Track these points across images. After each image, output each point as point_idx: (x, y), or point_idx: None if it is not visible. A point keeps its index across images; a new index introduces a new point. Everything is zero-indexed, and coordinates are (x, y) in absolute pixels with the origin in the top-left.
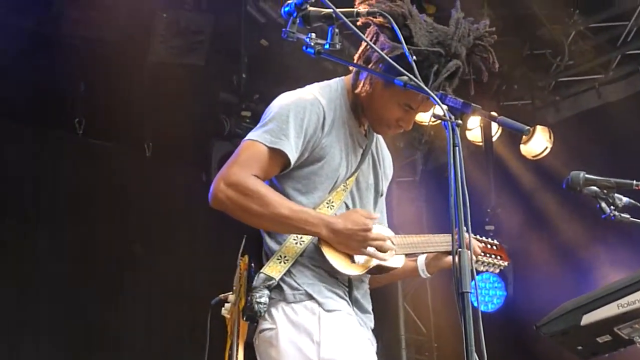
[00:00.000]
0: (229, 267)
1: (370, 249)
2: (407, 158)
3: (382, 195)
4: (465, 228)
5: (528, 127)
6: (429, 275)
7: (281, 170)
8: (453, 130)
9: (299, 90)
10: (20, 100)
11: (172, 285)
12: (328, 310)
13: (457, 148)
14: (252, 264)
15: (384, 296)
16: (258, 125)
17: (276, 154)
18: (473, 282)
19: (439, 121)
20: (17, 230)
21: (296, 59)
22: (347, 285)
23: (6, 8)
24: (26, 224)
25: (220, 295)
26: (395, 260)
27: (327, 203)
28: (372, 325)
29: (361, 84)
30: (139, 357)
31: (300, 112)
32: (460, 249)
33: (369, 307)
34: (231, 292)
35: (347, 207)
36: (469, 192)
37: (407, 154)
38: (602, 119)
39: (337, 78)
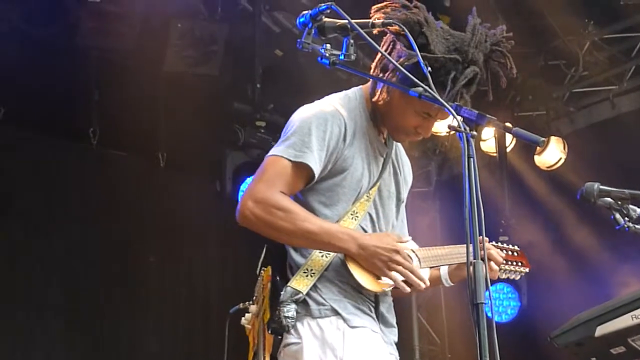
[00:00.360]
0: (242, 277)
1: (394, 274)
2: (421, 168)
3: (403, 202)
4: (481, 238)
5: (543, 139)
6: (452, 284)
7: (306, 184)
8: (468, 141)
9: (318, 102)
10: (34, 110)
11: (185, 294)
12: (353, 327)
13: (471, 159)
14: (277, 277)
15: (398, 306)
16: (280, 140)
17: (300, 168)
18: (487, 292)
19: (453, 132)
20: (30, 238)
21: (310, 69)
22: (373, 300)
23: (21, 18)
24: (39, 233)
25: (240, 304)
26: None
27: (351, 214)
28: (395, 339)
29: (378, 93)
30: None
31: (322, 125)
32: (475, 260)
33: (394, 321)
34: (250, 302)
35: (370, 217)
36: (483, 203)
37: (422, 164)
38: (616, 130)
39: (356, 87)
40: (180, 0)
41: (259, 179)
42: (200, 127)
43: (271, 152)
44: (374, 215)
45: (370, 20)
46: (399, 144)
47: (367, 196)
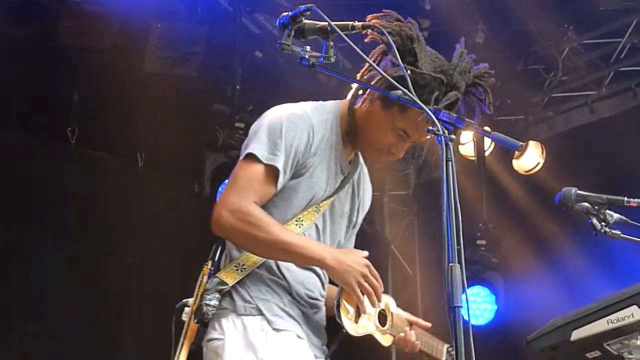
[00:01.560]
0: None
1: (361, 293)
2: (400, 172)
3: (355, 227)
4: (457, 243)
5: (521, 143)
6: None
7: (275, 188)
8: (446, 145)
9: (292, 105)
10: (13, 109)
11: (163, 295)
12: (276, 329)
13: (450, 163)
14: (214, 271)
15: None
16: (252, 139)
17: (271, 171)
18: (464, 295)
19: (432, 135)
20: (5, 240)
21: (291, 71)
22: (307, 304)
23: None
24: (16, 233)
25: (184, 300)
26: (385, 339)
27: (296, 220)
28: (325, 343)
29: (361, 102)
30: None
31: (292, 129)
32: (451, 264)
33: (323, 326)
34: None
35: (316, 228)
36: (461, 207)
37: (401, 168)
38: (594, 135)
39: (334, 101)
40: (160, 1)
41: (232, 187)
42: (179, 128)
43: (244, 152)
44: (320, 227)
45: (351, 23)
46: (366, 171)
47: (317, 207)
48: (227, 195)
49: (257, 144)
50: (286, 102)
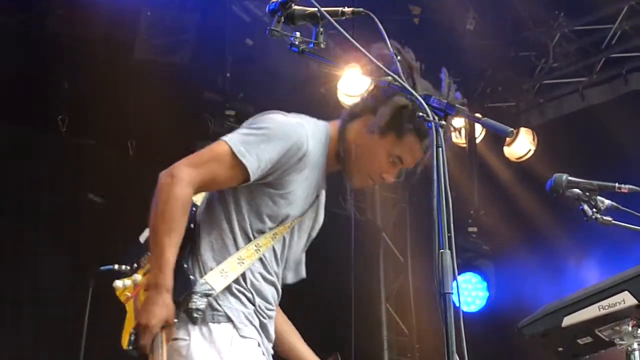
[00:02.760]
0: None
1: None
2: None
3: (309, 240)
4: (448, 230)
5: (511, 129)
6: None
7: (238, 184)
8: (437, 131)
9: (296, 118)
10: (2, 97)
11: None
12: (242, 336)
13: (440, 149)
14: (185, 265)
15: (367, 297)
16: (244, 128)
17: (239, 166)
18: (455, 282)
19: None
20: None
21: (281, 58)
22: (265, 315)
23: None
24: (8, 223)
25: (115, 265)
26: None
27: (274, 234)
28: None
29: (357, 127)
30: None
31: (286, 142)
32: (442, 250)
33: (273, 336)
34: (129, 267)
35: (283, 241)
36: (452, 194)
37: None
38: (585, 122)
39: (324, 122)
40: None
41: (194, 160)
42: (170, 116)
43: (227, 137)
44: (287, 241)
45: (340, 9)
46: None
47: (291, 223)
48: (184, 165)
49: (242, 135)
50: (277, 90)
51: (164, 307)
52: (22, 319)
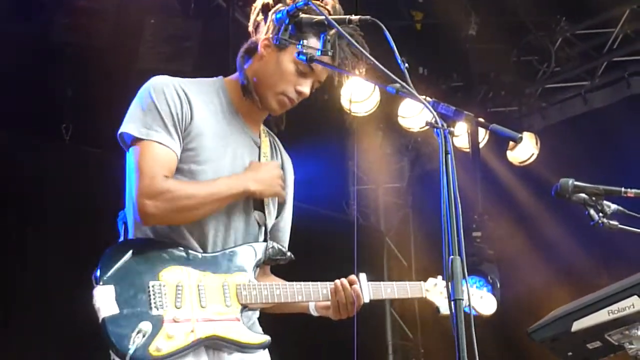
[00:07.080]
0: None
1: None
2: (395, 164)
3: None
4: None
5: (521, 135)
6: (317, 314)
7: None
8: (445, 137)
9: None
10: (6, 106)
11: None
12: None
13: (449, 155)
14: None
15: (371, 302)
16: (133, 114)
17: (155, 143)
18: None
19: (427, 127)
20: (3, 236)
21: None
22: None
23: None
24: (12, 232)
25: None
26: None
27: None
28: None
29: (256, 56)
30: None
31: (161, 94)
32: (452, 256)
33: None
34: None
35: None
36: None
37: (395, 160)
38: (588, 126)
39: (215, 78)
40: None
41: (140, 174)
42: None
43: (124, 129)
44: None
45: (347, 17)
46: (279, 143)
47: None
48: (140, 185)
49: (139, 121)
50: None
51: (266, 180)
52: (28, 318)
